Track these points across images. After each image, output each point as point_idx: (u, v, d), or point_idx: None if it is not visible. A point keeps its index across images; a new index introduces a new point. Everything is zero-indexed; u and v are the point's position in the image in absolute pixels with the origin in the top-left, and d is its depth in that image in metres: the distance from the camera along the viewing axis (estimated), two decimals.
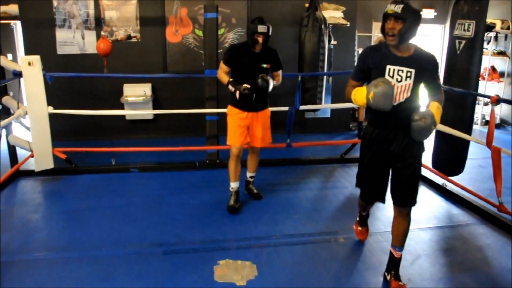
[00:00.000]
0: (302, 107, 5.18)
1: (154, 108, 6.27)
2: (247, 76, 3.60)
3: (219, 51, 5.02)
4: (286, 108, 4.82)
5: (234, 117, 3.74)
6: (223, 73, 3.70)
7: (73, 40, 6.07)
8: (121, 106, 6.08)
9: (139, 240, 3.29)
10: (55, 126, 4.60)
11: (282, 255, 3.09)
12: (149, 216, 3.74)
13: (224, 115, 4.87)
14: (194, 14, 6.34)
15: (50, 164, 4.49)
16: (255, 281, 2.77)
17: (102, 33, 5.95)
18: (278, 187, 4.46)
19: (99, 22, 6.03)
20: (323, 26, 5.67)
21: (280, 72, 3.87)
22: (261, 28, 3.51)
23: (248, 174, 4.17)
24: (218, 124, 4.95)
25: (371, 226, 3.54)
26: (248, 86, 3.52)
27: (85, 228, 3.49)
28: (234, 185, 3.88)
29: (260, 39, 3.55)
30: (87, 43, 6.09)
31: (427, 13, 8.42)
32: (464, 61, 4.12)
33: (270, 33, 3.59)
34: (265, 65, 3.67)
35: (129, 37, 6.23)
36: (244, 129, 3.74)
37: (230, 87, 3.58)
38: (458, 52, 4.17)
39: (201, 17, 6.22)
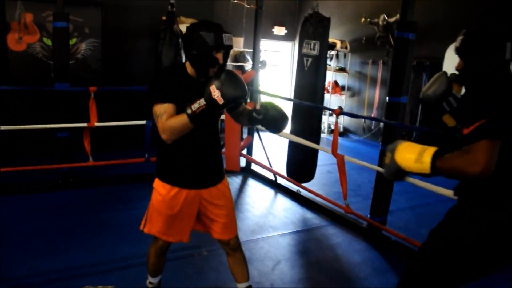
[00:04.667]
0: None
1: None
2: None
3: (70, 62, 4.72)
4: (143, 122, 4.71)
5: (160, 197, 2.25)
6: (172, 117, 2.04)
7: None
8: None
9: None
10: None
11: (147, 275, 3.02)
12: None
13: (77, 131, 4.60)
14: (41, 21, 5.86)
15: None
16: None
17: None
18: (139, 203, 4.33)
19: None
20: (180, 40, 5.71)
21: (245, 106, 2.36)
22: (227, 39, 2.09)
23: (239, 286, 2.47)
24: (70, 141, 4.63)
25: None
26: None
27: None
28: (152, 280, 2.63)
29: (221, 59, 2.09)
30: None
31: (278, 30, 9.03)
32: (311, 76, 4.54)
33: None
34: None
35: None
36: (176, 218, 2.26)
37: (193, 109, 1.95)
38: (306, 68, 4.57)
39: (50, 25, 5.78)
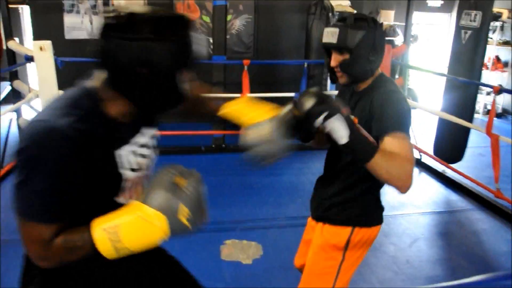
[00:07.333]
0: None
1: None
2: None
3: (227, 37, 5.09)
4: (292, 94, 4.90)
5: None
6: None
7: (81, 25, 6.14)
8: None
9: None
10: None
11: (286, 236, 3.21)
12: None
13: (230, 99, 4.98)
14: (201, 0, 6.40)
15: None
16: (261, 260, 2.89)
17: None
18: (284, 171, 4.57)
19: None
20: (330, 14, 5.72)
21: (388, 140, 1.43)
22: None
23: None
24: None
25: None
26: None
27: None
28: None
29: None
30: (96, 28, 6.14)
31: (434, 2, 8.44)
32: (469, 51, 4.20)
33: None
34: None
35: None
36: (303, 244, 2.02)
37: None
38: (464, 42, 4.25)
39: (209, 3, 6.27)
